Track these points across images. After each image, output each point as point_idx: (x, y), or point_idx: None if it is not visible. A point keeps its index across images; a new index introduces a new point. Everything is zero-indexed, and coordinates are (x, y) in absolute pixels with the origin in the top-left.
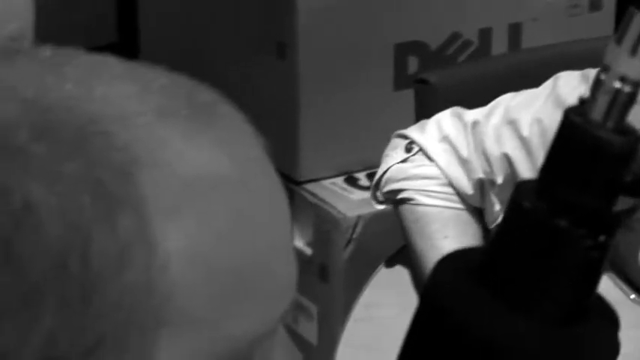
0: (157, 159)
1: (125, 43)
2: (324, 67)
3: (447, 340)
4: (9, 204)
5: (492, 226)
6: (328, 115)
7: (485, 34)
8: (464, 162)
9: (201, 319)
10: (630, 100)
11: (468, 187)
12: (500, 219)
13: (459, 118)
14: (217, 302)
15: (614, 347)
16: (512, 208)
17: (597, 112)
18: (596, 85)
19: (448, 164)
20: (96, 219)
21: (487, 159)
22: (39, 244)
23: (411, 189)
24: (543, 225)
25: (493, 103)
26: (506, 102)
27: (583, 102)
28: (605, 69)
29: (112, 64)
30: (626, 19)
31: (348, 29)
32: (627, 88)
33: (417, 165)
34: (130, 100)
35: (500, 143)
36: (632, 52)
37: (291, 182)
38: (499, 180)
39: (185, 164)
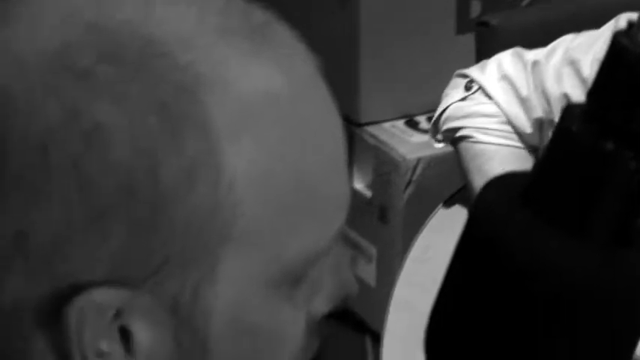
0: (218, 78)
1: None
2: (385, 11)
3: (494, 264)
4: (79, 125)
5: None
6: (389, 58)
7: None
8: (523, 101)
9: (260, 237)
10: None
11: (526, 126)
12: None
13: (520, 57)
14: (275, 221)
15: None
16: (560, 131)
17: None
18: None
19: (507, 103)
20: (163, 139)
21: (547, 99)
22: (108, 164)
23: (469, 127)
24: (591, 148)
25: (554, 43)
26: (567, 43)
27: (631, 25)
28: None
29: None
30: None
31: None
32: None
33: (476, 103)
34: (188, 22)
35: (561, 83)
36: None
37: (352, 124)
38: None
39: (245, 83)
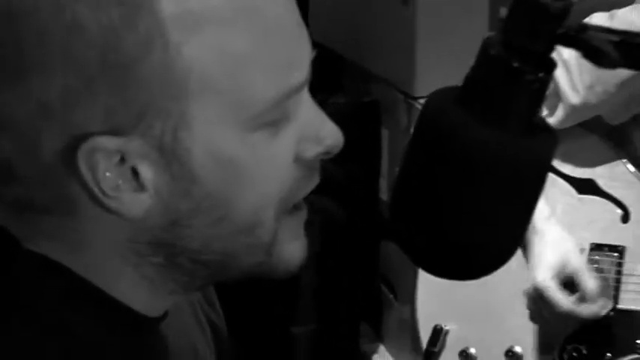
0: None
1: None
2: (437, 7)
3: (436, 145)
4: (63, 19)
5: None
6: (441, 43)
7: None
8: None
9: (218, 87)
10: None
11: None
12: None
13: None
14: (231, 74)
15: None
16: (482, 54)
17: None
18: None
19: None
20: (122, 23)
21: None
22: (86, 44)
23: None
24: (504, 64)
25: None
26: None
27: None
28: None
29: None
30: None
31: None
32: None
33: None
34: None
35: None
36: None
37: (409, 97)
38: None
39: None
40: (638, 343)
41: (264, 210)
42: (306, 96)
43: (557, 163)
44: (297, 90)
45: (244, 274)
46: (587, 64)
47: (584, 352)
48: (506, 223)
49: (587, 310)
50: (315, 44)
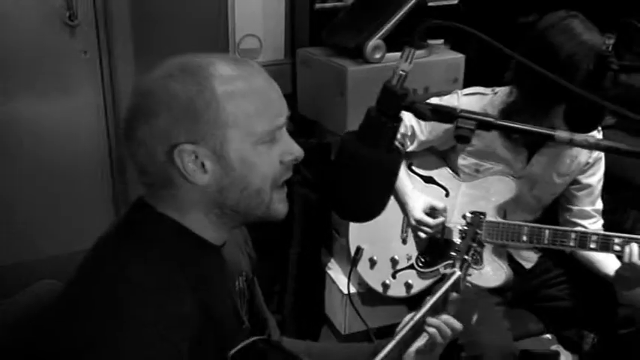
0: (218, 72)
1: None
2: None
3: (345, 158)
4: (174, 92)
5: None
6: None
7: None
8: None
9: (242, 126)
10: (403, 77)
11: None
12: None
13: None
14: (247, 119)
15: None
16: (367, 114)
17: (395, 80)
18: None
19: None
20: (197, 94)
21: (406, 127)
22: (180, 104)
23: None
24: (377, 119)
25: None
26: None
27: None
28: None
29: None
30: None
31: None
32: (400, 72)
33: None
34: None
35: (411, 122)
36: (405, 59)
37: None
38: (408, 134)
39: (228, 71)
40: (451, 254)
41: (265, 184)
42: (284, 130)
43: (416, 168)
44: (280, 127)
45: (257, 219)
46: (431, 124)
47: (428, 259)
48: (376, 194)
49: (435, 222)
50: (298, 112)
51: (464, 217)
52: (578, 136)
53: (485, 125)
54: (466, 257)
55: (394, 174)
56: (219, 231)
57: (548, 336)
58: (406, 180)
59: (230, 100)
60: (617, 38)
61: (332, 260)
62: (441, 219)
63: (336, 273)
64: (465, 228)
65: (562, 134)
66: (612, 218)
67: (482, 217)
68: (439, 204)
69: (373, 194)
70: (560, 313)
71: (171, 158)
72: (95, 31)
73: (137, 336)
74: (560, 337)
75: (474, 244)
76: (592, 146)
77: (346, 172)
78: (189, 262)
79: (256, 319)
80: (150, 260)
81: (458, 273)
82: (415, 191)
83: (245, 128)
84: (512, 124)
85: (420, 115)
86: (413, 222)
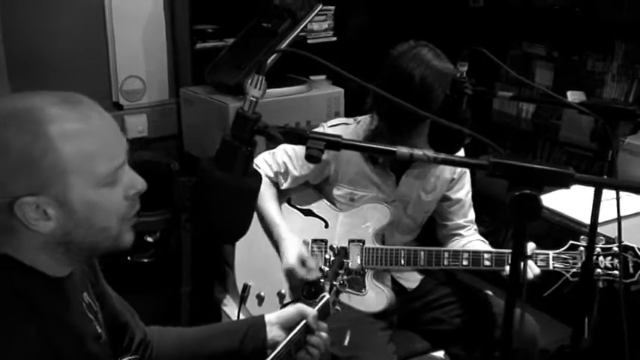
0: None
1: None
2: None
3: (206, 180)
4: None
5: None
6: None
7: None
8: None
9: (82, 170)
10: (254, 102)
11: (270, 173)
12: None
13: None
14: (88, 163)
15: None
16: (223, 139)
17: (247, 105)
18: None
19: (267, 168)
20: (33, 144)
21: (279, 164)
22: (12, 157)
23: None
24: (231, 144)
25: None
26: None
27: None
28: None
29: None
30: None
31: None
32: (250, 99)
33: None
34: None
35: (284, 159)
36: (255, 86)
37: None
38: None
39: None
40: (320, 281)
41: (111, 222)
42: (126, 166)
43: (295, 202)
44: (121, 166)
45: (105, 251)
46: (302, 159)
47: (305, 293)
48: (236, 216)
49: (303, 272)
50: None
51: (331, 247)
52: (417, 151)
53: (333, 145)
54: (335, 283)
55: (252, 196)
56: (63, 266)
57: (441, 354)
58: (279, 219)
59: (66, 145)
60: (469, 65)
61: (227, 296)
62: (313, 275)
63: (232, 309)
64: (332, 258)
65: (402, 149)
66: (495, 239)
67: (360, 244)
68: (311, 262)
69: (232, 216)
70: (446, 334)
71: (11, 210)
72: None
73: None
74: (449, 353)
75: (341, 272)
76: (430, 160)
77: (206, 196)
78: (29, 298)
79: (114, 324)
80: None
81: (327, 296)
82: (290, 234)
83: (85, 172)
84: (357, 143)
85: (271, 139)
86: (284, 268)
